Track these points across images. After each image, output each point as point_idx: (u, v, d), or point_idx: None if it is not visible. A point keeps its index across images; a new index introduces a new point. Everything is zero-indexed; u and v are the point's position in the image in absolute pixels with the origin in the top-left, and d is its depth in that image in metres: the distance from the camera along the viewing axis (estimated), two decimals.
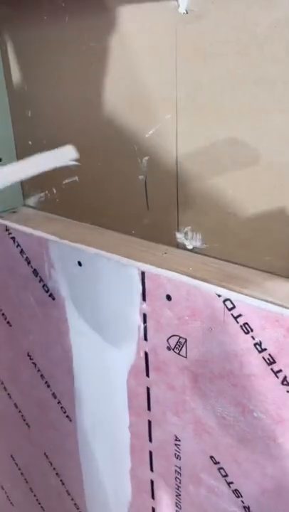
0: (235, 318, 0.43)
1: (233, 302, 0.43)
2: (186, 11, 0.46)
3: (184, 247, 0.58)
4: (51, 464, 0.84)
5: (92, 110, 0.60)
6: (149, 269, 0.49)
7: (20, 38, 0.66)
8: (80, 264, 0.57)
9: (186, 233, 0.57)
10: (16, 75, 0.69)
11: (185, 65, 0.49)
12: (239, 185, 0.49)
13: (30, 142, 0.72)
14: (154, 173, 0.57)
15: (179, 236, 0.58)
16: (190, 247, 0.57)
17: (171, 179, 0.55)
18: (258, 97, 0.45)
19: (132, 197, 0.61)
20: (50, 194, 0.73)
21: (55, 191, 0.72)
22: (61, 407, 0.74)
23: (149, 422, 0.58)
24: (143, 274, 0.50)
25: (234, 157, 0.48)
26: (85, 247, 0.56)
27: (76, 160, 0.65)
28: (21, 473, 0.96)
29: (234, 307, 0.43)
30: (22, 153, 0.74)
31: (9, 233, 0.66)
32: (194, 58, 0.48)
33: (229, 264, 0.53)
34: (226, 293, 0.43)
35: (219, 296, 0.43)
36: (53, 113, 0.66)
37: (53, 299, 0.64)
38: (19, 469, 0.96)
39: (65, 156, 0.43)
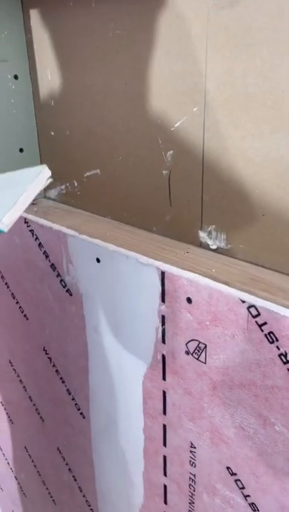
0: (260, 326, 0.40)
1: (258, 309, 0.40)
2: None
3: (207, 247, 0.55)
4: (64, 459, 0.83)
5: (116, 100, 0.58)
6: (169, 269, 0.47)
7: (45, 25, 0.64)
8: (98, 260, 0.55)
9: (209, 232, 0.54)
10: (40, 62, 0.67)
11: (216, 53, 0.46)
12: (268, 184, 0.46)
13: (52, 133, 0.70)
14: (179, 168, 0.55)
15: (202, 235, 0.55)
16: (213, 247, 0.54)
17: (197, 175, 0.53)
18: None
19: (154, 192, 0.59)
20: (71, 187, 0.71)
21: (76, 184, 0.70)
22: (75, 404, 0.72)
23: (164, 426, 0.56)
24: (163, 274, 0.47)
25: (264, 155, 0.46)
26: (104, 243, 0.54)
27: (98, 152, 0.63)
28: (34, 466, 0.96)
29: (259, 314, 0.40)
30: (44, 144, 0.73)
31: (28, 225, 0.65)
32: (226, 47, 0.45)
33: (255, 266, 0.50)
34: (250, 299, 0.41)
35: (243, 302, 0.41)
36: (76, 103, 0.64)
37: (70, 294, 0.62)
38: (32, 461, 0.96)
39: (42, 178, 0.40)
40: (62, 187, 0.73)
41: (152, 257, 0.53)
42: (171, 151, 0.54)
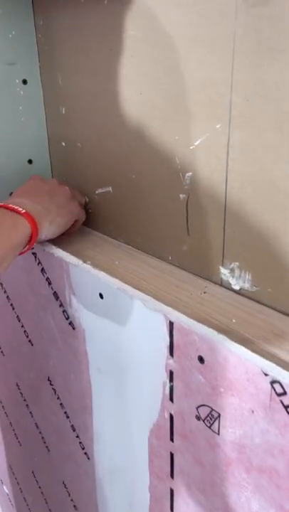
0: (286, 407, 0.32)
1: (284, 387, 0.32)
2: None
3: (228, 286, 0.47)
4: (69, 494, 0.77)
5: (129, 111, 0.51)
6: (178, 318, 0.39)
7: (55, 25, 0.57)
8: (101, 296, 0.48)
9: (232, 270, 0.46)
10: (50, 66, 0.60)
11: (244, 60, 0.38)
12: None
13: (63, 143, 0.64)
14: (198, 192, 0.46)
15: (224, 272, 0.47)
16: (236, 287, 0.46)
17: (218, 202, 0.45)
18: None
19: (170, 217, 0.51)
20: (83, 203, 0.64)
21: (87, 200, 0.63)
22: (80, 442, 0.66)
23: (172, 491, 0.49)
24: (171, 324, 0.40)
25: None
26: (108, 277, 0.47)
27: (110, 168, 0.56)
28: (41, 493, 0.90)
29: (285, 393, 0.32)
30: (55, 155, 0.66)
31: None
32: (257, 52, 0.36)
33: (283, 317, 0.42)
34: (275, 371, 0.32)
35: (266, 374, 0.33)
36: (87, 111, 0.57)
37: (73, 328, 0.55)
38: (39, 487, 0.91)
39: None
40: None
41: (162, 297, 0.45)
42: (190, 173, 0.46)
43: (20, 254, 0.50)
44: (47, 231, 0.52)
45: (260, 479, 0.36)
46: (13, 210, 0.49)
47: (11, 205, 0.49)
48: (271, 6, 0.34)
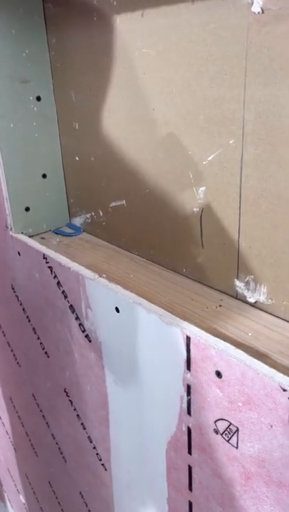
0: None
1: None
2: (262, 9, 0.35)
3: (243, 299, 0.47)
4: (86, 505, 0.77)
5: (142, 126, 0.51)
6: (195, 333, 0.39)
7: (68, 43, 0.58)
8: (117, 310, 0.49)
9: (247, 282, 0.46)
10: (63, 82, 0.61)
11: (257, 77, 0.38)
12: None
13: (77, 158, 0.65)
14: (212, 207, 0.47)
15: (239, 284, 0.47)
16: (251, 300, 0.46)
17: (232, 217, 0.45)
18: None
19: (184, 231, 0.51)
20: (97, 216, 0.65)
21: (101, 214, 0.64)
22: (96, 454, 0.66)
23: (190, 504, 0.49)
24: (188, 339, 0.40)
25: None
26: (124, 291, 0.48)
27: (123, 182, 0.57)
28: (58, 503, 0.91)
29: None
30: (69, 169, 0.67)
31: (47, 261, 0.59)
32: (269, 70, 0.37)
33: None
34: None
35: (284, 390, 0.33)
36: (100, 126, 0.58)
37: (90, 340, 0.56)
38: (56, 498, 0.91)
39: None
40: (88, 215, 0.67)
41: (178, 311, 0.46)
42: (204, 187, 0.47)
43: None
44: None
45: (280, 493, 0.37)
46: None
47: None
48: (282, 25, 0.35)
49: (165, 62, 0.46)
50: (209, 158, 0.45)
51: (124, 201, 0.59)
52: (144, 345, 0.47)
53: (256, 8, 0.35)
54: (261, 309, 0.45)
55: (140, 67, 0.49)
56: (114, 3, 0.49)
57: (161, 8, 0.44)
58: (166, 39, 0.45)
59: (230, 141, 0.42)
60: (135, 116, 0.52)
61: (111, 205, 0.61)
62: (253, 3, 0.36)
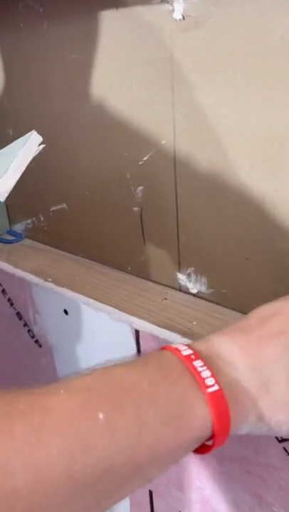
0: None
1: None
2: (183, 16, 0.38)
3: (186, 291, 0.49)
4: None
5: (79, 130, 0.52)
6: (143, 327, 0.41)
7: None
8: (66, 312, 0.49)
9: (189, 275, 0.49)
10: None
11: (183, 80, 0.40)
12: (250, 223, 0.41)
13: None
14: (151, 204, 0.49)
15: (181, 277, 0.49)
16: (194, 291, 0.48)
17: (171, 213, 0.47)
18: (271, 122, 0.36)
19: (126, 229, 0.53)
20: (38, 221, 0.65)
21: (42, 218, 0.64)
22: None
23: (150, 493, 0.50)
24: (137, 332, 0.42)
25: (242, 194, 0.40)
26: (71, 293, 0.48)
27: (63, 185, 0.57)
28: None
29: None
30: None
31: None
32: (194, 73, 0.39)
33: (239, 315, 0.45)
34: None
35: None
36: (37, 131, 0.58)
37: (40, 346, 0.56)
38: None
39: (33, 144, 0.38)
40: (29, 221, 0.67)
41: (126, 308, 0.47)
42: (142, 187, 0.49)
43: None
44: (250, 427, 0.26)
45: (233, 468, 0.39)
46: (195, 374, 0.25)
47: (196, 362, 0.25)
48: (203, 30, 0.37)
49: (95, 67, 0.47)
50: (144, 159, 0.47)
51: (64, 205, 0.59)
52: (96, 344, 0.48)
53: (178, 15, 0.38)
54: (203, 298, 0.48)
55: (70, 72, 0.50)
56: (40, 9, 0.49)
57: (87, 15, 0.45)
58: (94, 44, 0.46)
59: (163, 142, 0.44)
60: (72, 120, 0.53)
61: (52, 209, 0.61)
62: (174, 11, 0.38)
